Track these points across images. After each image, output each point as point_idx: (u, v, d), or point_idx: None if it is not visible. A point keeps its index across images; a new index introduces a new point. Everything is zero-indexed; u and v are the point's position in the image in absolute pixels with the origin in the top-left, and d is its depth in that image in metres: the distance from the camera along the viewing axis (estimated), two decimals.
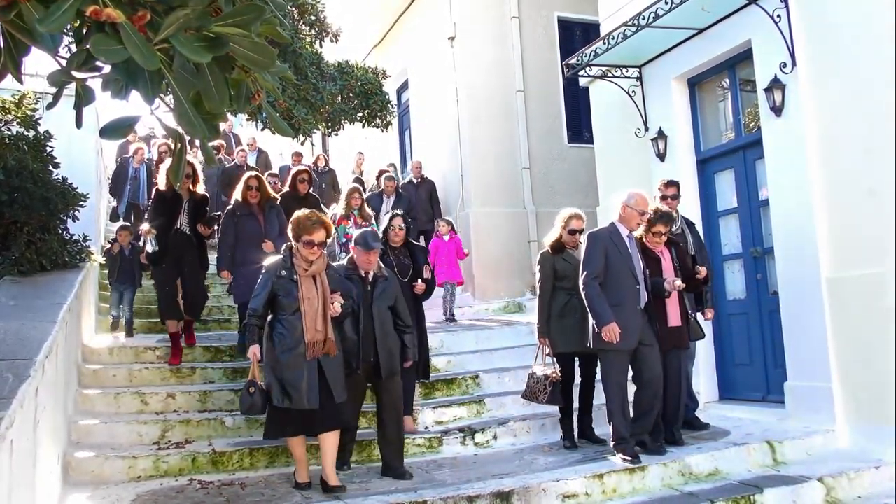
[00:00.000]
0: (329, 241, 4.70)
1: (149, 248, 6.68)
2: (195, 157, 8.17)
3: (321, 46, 9.11)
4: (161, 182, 6.87)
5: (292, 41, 7.63)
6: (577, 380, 5.92)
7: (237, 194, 6.85)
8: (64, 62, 1.56)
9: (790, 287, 6.21)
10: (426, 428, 6.11)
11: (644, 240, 5.44)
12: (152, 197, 7.00)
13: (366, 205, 8.08)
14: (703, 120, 7.65)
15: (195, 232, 6.78)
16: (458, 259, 9.78)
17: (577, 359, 5.83)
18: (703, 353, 6.99)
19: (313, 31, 8.93)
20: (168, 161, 6.78)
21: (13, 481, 2.98)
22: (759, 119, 6.63)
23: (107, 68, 1.53)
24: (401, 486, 4.74)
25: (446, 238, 9.80)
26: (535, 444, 5.90)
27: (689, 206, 7.36)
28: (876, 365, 5.35)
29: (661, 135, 7.67)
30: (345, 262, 5.18)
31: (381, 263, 5.18)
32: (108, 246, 8.28)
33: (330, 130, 9.57)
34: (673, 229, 5.78)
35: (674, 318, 5.44)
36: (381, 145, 14.23)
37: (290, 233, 4.65)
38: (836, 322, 5.68)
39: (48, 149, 6.27)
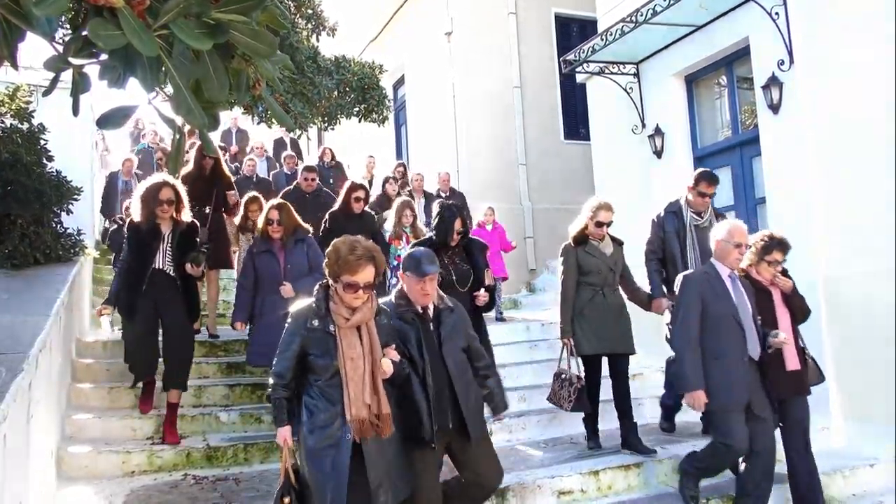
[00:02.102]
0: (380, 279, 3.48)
1: (104, 332, 5.44)
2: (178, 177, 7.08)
3: (318, 41, 9.06)
4: (135, 211, 5.36)
5: (289, 34, 7.59)
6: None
7: (258, 228, 5.76)
8: (61, 49, 1.53)
9: None
10: None
11: (753, 270, 4.61)
12: (126, 229, 5.44)
13: (418, 222, 7.10)
14: (701, 117, 7.65)
15: (182, 272, 5.27)
16: (502, 251, 9.03)
17: (605, 359, 5.36)
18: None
19: (310, 25, 8.89)
20: (145, 183, 5.51)
21: (6, 476, 2.95)
22: (757, 117, 6.63)
23: (104, 55, 1.51)
24: None
25: (489, 228, 9.00)
26: (530, 440, 5.89)
27: None
28: (872, 363, 5.36)
29: (658, 132, 7.66)
30: (393, 297, 3.79)
31: (439, 291, 3.84)
32: (115, 227, 7.77)
33: (326, 125, 9.52)
34: (700, 222, 5.46)
35: (792, 360, 4.51)
36: (378, 141, 14.19)
37: (325, 269, 3.40)
38: (832, 320, 5.69)
39: (42, 142, 6.22)
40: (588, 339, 5.23)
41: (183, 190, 5.38)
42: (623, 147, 8.24)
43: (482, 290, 4.87)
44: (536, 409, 6.17)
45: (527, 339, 7.75)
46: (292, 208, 5.70)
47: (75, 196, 6.35)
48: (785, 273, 4.66)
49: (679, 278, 4.52)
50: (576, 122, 11.85)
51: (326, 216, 6.82)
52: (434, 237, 5.00)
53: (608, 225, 5.35)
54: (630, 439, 5.23)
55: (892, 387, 5.20)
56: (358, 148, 13.88)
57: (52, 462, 4.57)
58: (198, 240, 5.49)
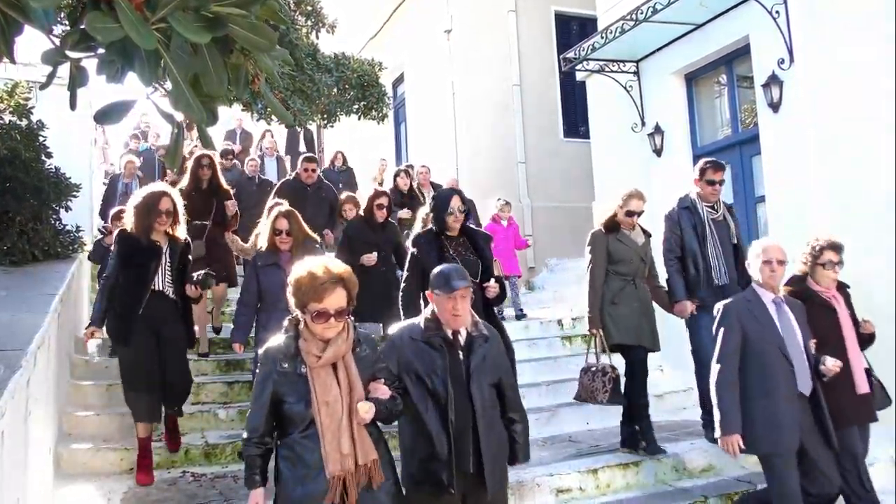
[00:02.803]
0: (351, 306, 2.97)
1: (91, 359, 4.63)
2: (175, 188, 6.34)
3: (317, 38, 9.05)
4: (128, 220, 4.83)
5: (289, 31, 7.57)
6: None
7: (262, 239, 5.19)
8: (58, 42, 1.52)
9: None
10: None
11: (811, 281, 4.18)
12: (114, 243, 4.89)
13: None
14: (700, 116, 7.64)
15: (182, 294, 4.87)
16: (516, 249, 8.66)
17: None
18: None
19: (309, 22, 8.88)
20: (143, 191, 4.98)
21: (4, 473, 2.94)
22: (757, 115, 6.63)
23: (102, 49, 1.50)
24: None
25: (504, 223, 8.58)
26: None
27: None
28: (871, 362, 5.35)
29: (658, 130, 7.65)
30: (420, 320, 3.35)
31: (475, 316, 3.40)
32: (100, 237, 7.22)
33: (325, 123, 9.50)
34: (716, 216, 5.25)
35: (862, 383, 4.04)
36: (377, 139, 14.18)
37: (290, 298, 2.92)
38: None
39: (41, 138, 6.21)
40: (619, 329, 5.03)
41: (181, 203, 4.97)
42: (623, 145, 8.23)
43: (492, 280, 4.46)
44: (535, 408, 6.16)
45: (525, 336, 7.73)
46: (299, 216, 5.19)
47: (74, 193, 6.34)
48: (847, 299, 4.24)
49: (718, 307, 4.06)
50: (575, 120, 11.83)
51: (346, 225, 6.40)
52: (434, 226, 4.59)
53: (639, 215, 5.19)
54: (646, 436, 5.10)
55: (891, 386, 5.20)
56: (357, 146, 13.87)
57: (51, 459, 4.56)
58: (190, 257, 5.09)
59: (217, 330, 7.10)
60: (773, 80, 6.22)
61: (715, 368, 3.94)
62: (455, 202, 4.46)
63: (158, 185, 5.17)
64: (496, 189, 11.35)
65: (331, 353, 2.83)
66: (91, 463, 4.88)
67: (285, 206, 5.32)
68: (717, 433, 3.88)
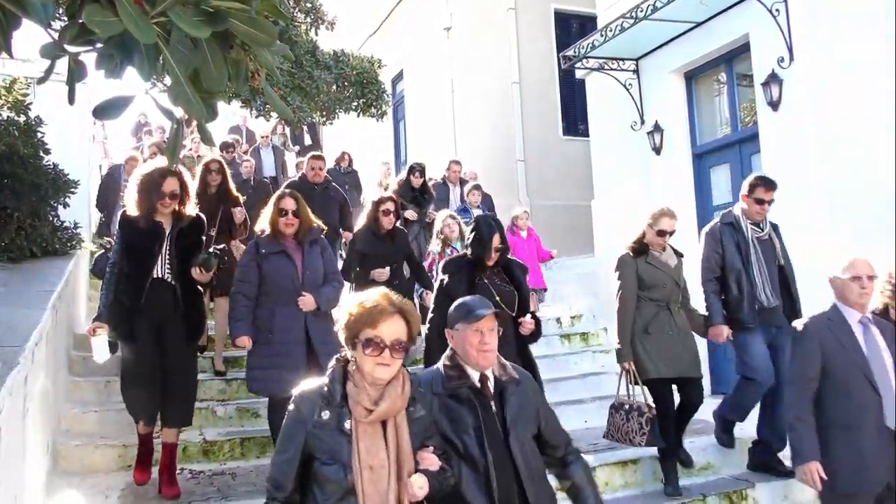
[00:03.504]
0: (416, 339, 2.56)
1: (98, 355, 4.14)
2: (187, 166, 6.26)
3: (316, 35, 9.04)
4: (130, 204, 4.32)
5: (288, 28, 7.56)
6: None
7: (263, 221, 4.63)
8: (56, 36, 1.51)
9: None
10: None
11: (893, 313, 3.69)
12: (118, 227, 4.42)
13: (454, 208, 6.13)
14: (700, 114, 7.64)
15: (185, 280, 4.28)
16: (539, 261, 8.17)
17: (673, 385, 4.80)
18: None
19: (309, 19, 8.87)
20: (145, 168, 4.48)
21: (2, 469, 2.93)
22: (756, 114, 6.62)
23: (101, 44, 1.49)
24: None
25: (524, 234, 8.17)
26: None
27: (685, 202, 7.36)
28: None
29: (658, 128, 7.65)
30: (441, 365, 2.82)
31: (501, 358, 2.85)
32: (102, 252, 6.88)
33: (325, 119, 9.49)
34: (762, 234, 4.91)
35: None
36: (376, 136, 14.17)
37: (339, 330, 2.42)
38: None
39: (39, 134, 6.19)
40: (654, 362, 4.61)
41: (189, 178, 4.52)
42: (622, 144, 8.23)
43: (528, 315, 4.09)
44: None
45: None
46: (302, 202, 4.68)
47: (72, 189, 6.31)
48: None
49: (797, 325, 3.65)
50: (575, 118, 11.83)
51: (351, 237, 5.83)
52: (469, 253, 4.26)
53: (671, 234, 4.80)
54: (681, 455, 4.89)
55: None
56: (356, 144, 13.86)
57: (49, 456, 4.55)
58: (203, 237, 4.48)
59: (220, 373, 6.24)
60: (773, 79, 6.21)
61: (790, 392, 3.60)
62: (496, 240, 4.14)
63: (162, 162, 4.50)
64: (495, 187, 11.34)
65: (385, 407, 2.29)
66: (89, 460, 4.87)
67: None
68: (792, 463, 3.56)
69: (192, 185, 4.57)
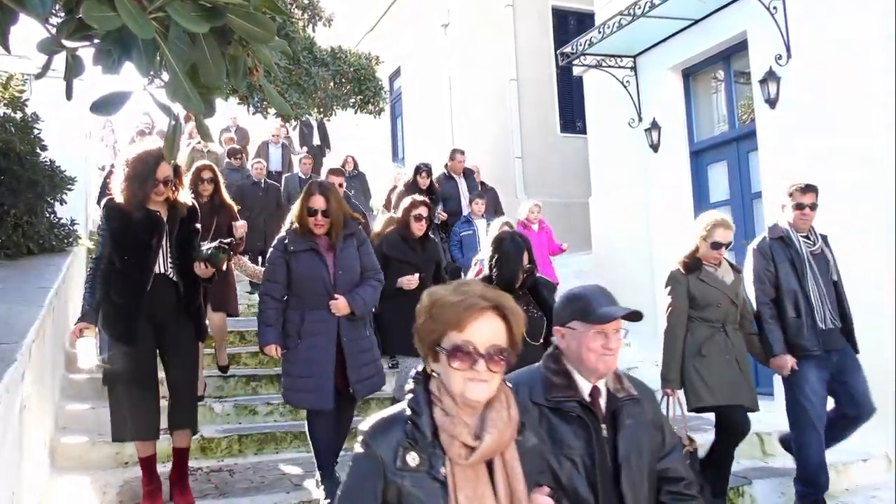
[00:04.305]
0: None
1: (83, 359, 3.74)
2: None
3: (314, 31, 9.01)
4: (117, 192, 3.82)
5: (285, 24, 7.54)
6: None
7: (292, 216, 4.16)
8: (53, 31, 1.51)
9: None
10: None
11: None
12: (102, 217, 3.91)
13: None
14: (697, 111, 7.65)
15: (186, 276, 3.87)
16: (550, 255, 7.83)
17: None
18: None
19: (306, 16, 8.84)
20: (134, 150, 3.97)
21: None
22: (754, 111, 6.63)
23: (98, 40, 1.49)
24: None
25: (535, 227, 7.85)
26: None
27: (682, 199, 7.37)
28: (872, 360, 5.36)
29: (655, 125, 7.65)
30: (541, 368, 2.25)
31: (619, 370, 2.29)
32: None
33: (322, 116, 9.48)
34: (813, 248, 4.48)
35: None
36: (374, 133, 14.15)
37: (417, 338, 1.81)
38: None
39: (36, 131, 6.17)
40: (709, 388, 4.18)
41: (183, 162, 4.21)
42: (620, 141, 8.23)
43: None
44: None
45: None
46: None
47: (69, 186, 6.31)
48: None
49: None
50: (572, 115, 11.84)
51: (378, 242, 5.37)
52: (494, 276, 3.84)
53: (727, 246, 4.35)
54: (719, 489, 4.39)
55: (891, 385, 5.22)
56: (354, 142, 13.84)
57: (46, 452, 4.55)
58: (197, 226, 4.05)
59: (224, 369, 6.09)
60: (771, 76, 6.22)
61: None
62: (525, 260, 3.79)
63: (152, 144, 4.03)
64: (493, 184, 11.36)
65: (490, 442, 1.70)
66: (87, 456, 4.86)
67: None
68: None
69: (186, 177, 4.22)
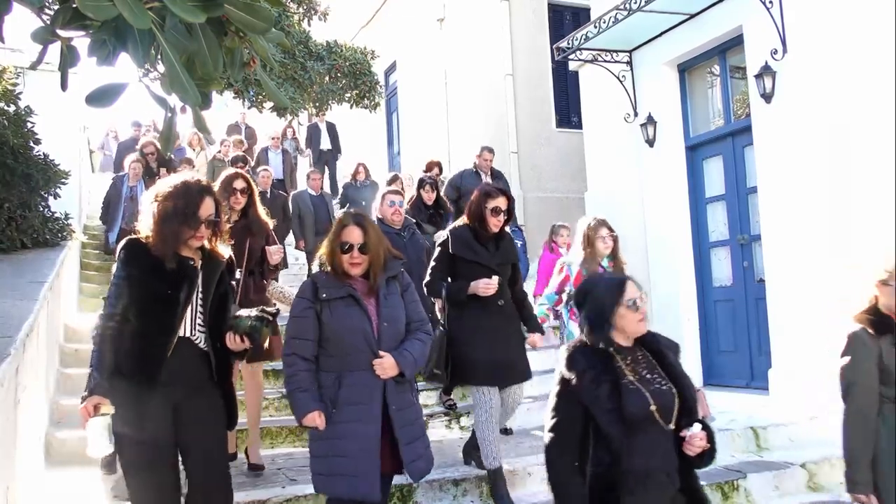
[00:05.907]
0: None
1: (93, 446, 2.78)
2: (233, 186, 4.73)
3: (309, 25, 9.00)
4: (144, 227, 3.01)
5: (281, 18, 7.51)
6: None
7: (321, 256, 3.36)
8: (48, 20, 1.50)
9: (776, 275, 6.23)
10: None
11: None
12: (121, 259, 2.99)
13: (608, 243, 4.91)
14: (693, 106, 7.64)
15: (218, 346, 3.06)
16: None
17: None
18: (688, 339, 7.02)
19: (301, 10, 8.81)
20: (166, 181, 3.12)
21: None
22: (749, 106, 6.63)
23: (93, 30, 1.47)
24: None
25: (564, 250, 7.48)
26: (520, 427, 5.90)
27: (677, 193, 7.38)
28: None
29: (651, 120, 7.65)
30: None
31: None
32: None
33: (317, 111, 9.45)
34: None
35: None
36: (369, 127, 14.12)
37: None
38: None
39: (29, 124, 6.15)
40: None
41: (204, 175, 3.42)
42: (615, 136, 8.23)
43: (696, 426, 2.53)
44: (527, 396, 6.16)
45: None
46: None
47: (63, 180, 6.29)
48: None
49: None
50: (568, 110, 11.81)
51: (445, 235, 4.56)
52: (586, 336, 2.68)
53: None
54: None
55: None
56: (351, 139, 13.81)
57: (41, 447, 4.54)
58: (233, 283, 3.33)
59: (256, 467, 4.75)
60: (766, 71, 6.21)
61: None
62: (633, 291, 2.64)
63: (194, 176, 3.24)
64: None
65: None
66: (82, 451, 4.82)
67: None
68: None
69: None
